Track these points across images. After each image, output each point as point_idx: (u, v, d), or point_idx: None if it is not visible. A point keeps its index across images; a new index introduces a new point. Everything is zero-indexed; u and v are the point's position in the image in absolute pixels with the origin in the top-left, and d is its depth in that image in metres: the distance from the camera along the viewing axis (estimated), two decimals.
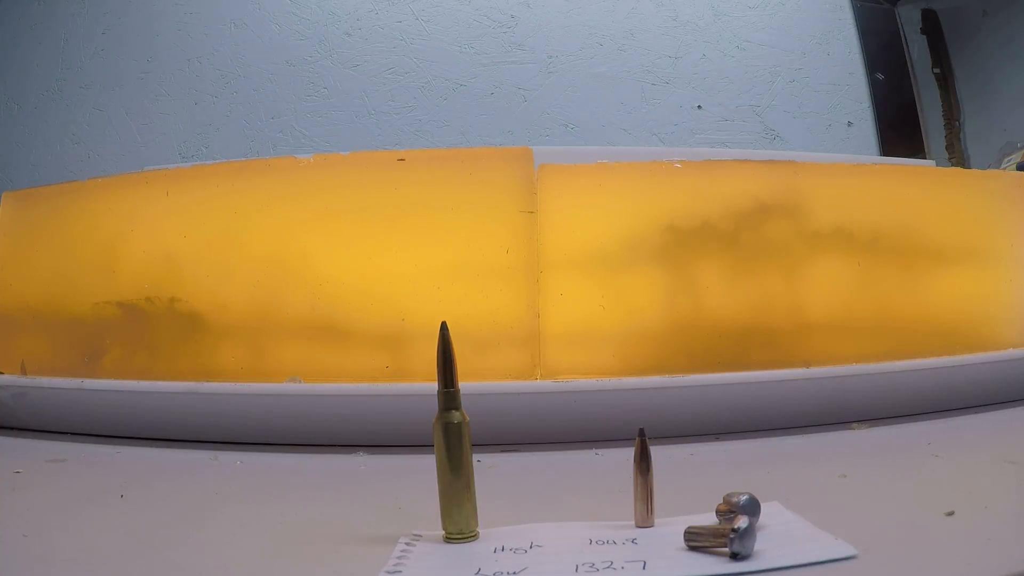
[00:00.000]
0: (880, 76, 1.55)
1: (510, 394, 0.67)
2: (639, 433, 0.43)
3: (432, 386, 0.43)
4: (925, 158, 1.49)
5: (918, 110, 1.58)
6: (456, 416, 0.42)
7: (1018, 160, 1.42)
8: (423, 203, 0.76)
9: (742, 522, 0.37)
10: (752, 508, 0.40)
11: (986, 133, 1.56)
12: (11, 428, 0.76)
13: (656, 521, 0.43)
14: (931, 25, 1.63)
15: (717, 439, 0.67)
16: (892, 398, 0.72)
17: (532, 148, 0.77)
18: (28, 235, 0.85)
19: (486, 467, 0.58)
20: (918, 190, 0.83)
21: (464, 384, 0.43)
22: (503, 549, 0.40)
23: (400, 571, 0.37)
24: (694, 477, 0.56)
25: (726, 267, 0.75)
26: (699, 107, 1.51)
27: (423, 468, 0.48)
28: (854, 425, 0.69)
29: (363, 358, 0.73)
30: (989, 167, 1.48)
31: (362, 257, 0.75)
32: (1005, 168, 1.43)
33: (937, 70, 1.61)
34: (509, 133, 1.47)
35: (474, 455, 0.43)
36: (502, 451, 0.64)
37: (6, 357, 0.82)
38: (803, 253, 0.77)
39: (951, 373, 0.73)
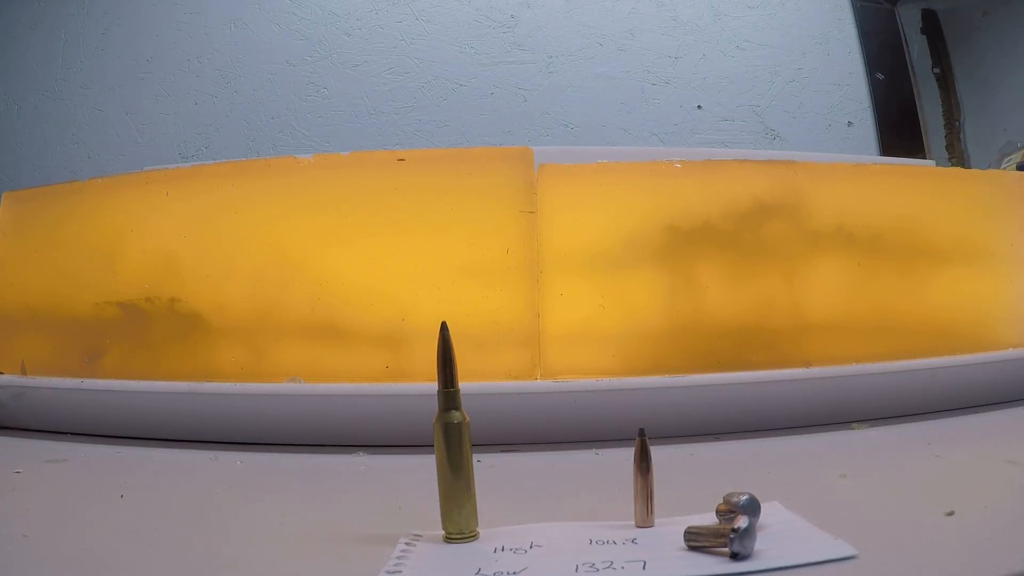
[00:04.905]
0: (880, 76, 1.55)
1: (510, 394, 0.67)
2: (639, 433, 0.43)
3: (432, 386, 0.43)
4: (925, 158, 1.49)
5: (918, 110, 1.58)
6: (456, 416, 0.42)
7: (1018, 160, 1.42)
8: (423, 203, 0.75)
9: (742, 522, 0.37)
10: (752, 508, 0.40)
11: (986, 133, 1.56)
12: (11, 428, 0.76)
13: (656, 521, 0.43)
14: (931, 25, 1.63)
15: (717, 439, 0.67)
16: (892, 398, 0.72)
17: (532, 148, 0.77)
18: (28, 235, 0.85)
19: (486, 467, 0.58)
20: (918, 190, 0.83)
21: (464, 384, 0.43)
22: (503, 549, 0.40)
23: (400, 571, 0.37)
24: (694, 477, 0.56)
25: (726, 267, 0.75)
26: (699, 107, 1.51)
27: (423, 468, 0.48)
28: (854, 425, 0.69)
29: (363, 358, 0.73)
30: (989, 167, 1.48)
31: (362, 257, 0.75)
32: (1005, 168, 1.43)
33: (937, 70, 1.61)
34: (509, 133, 1.47)
35: (474, 455, 0.43)
36: (502, 451, 0.64)
37: (6, 357, 0.82)
38: (803, 253, 0.77)
39: (951, 373, 0.73)
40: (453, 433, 0.42)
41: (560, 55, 1.51)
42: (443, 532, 0.42)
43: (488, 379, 0.70)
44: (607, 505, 0.47)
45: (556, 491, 0.54)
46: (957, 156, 1.58)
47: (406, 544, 0.41)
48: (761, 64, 1.54)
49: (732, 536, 0.37)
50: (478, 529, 0.42)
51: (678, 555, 0.38)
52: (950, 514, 0.42)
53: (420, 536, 0.42)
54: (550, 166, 0.76)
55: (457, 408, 0.42)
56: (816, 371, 0.71)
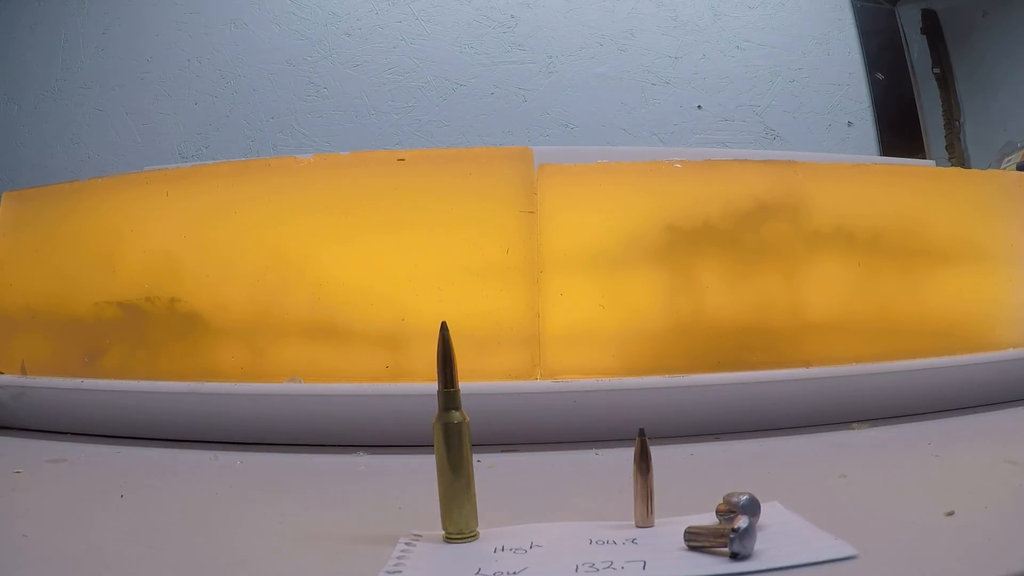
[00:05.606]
0: (880, 76, 1.55)
1: (510, 394, 0.67)
2: (639, 433, 0.43)
3: (432, 386, 0.43)
4: (925, 158, 1.49)
5: (918, 110, 1.58)
6: (456, 416, 0.42)
7: (1018, 160, 1.42)
8: (423, 203, 0.76)
9: (742, 522, 0.37)
10: (752, 508, 0.40)
11: (986, 133, 1.56)
12: (11, 428, 0.76)
13: (656, 521, 0.43)
14: (931, 25, 1.63)
15: (717, 439, 0.67)
16: (892, 398, 0.72)
17: (532, 148, 0.77)
18: (28, 235, 0.85)
19: (486, 467, 0.58)
20: (918, 190, 0.83)
21: (464, 384, 0.43)
22: (503, 549, 0.40)
23: (400, 571, 0.37)
24: (694, 477, 0.56)
25: (726, 267, 0.75)
26: (699, 107, 1.51)
27: (423, 468, 0.48)
28: (854, 425, 0.69)
29: (363, 358, 0.73)
30: (989, 167, 1.48)
31: (362, 257, 0.75)
32: (1005, 168, 1.43)
33: (937, 70, 1.61)
34: (509, 133, 1.47)
35: (474, 455, 0.43)
36: (502, 451, 0.64)
37: (6, 357, 0.82)
38: (803, 253, 0.77)
39: (951, 373, 0.73)
40: (453, 433, 0.42)
41: (560, 55, 1.51)
42: (443, 532, 0.42)
43: (488, 379, 0.70)
44: (607, 505, 0.47)
45: (556, 491, 0.54)
46: (957, 156, 1.58)
47: (406, 544, 0.41)
48: (761, 64, 1.54)
49: (732, 536, 0.37)
50: (478, 529, 0.42)
51: (678, 555, 0.38)
52: (950, 514, 0.42)
53: (420, 536, 0.42)
54: (550, 166, 0.76)
55: (457, 408, 0.42)
56: (816, 371, 0.71)
